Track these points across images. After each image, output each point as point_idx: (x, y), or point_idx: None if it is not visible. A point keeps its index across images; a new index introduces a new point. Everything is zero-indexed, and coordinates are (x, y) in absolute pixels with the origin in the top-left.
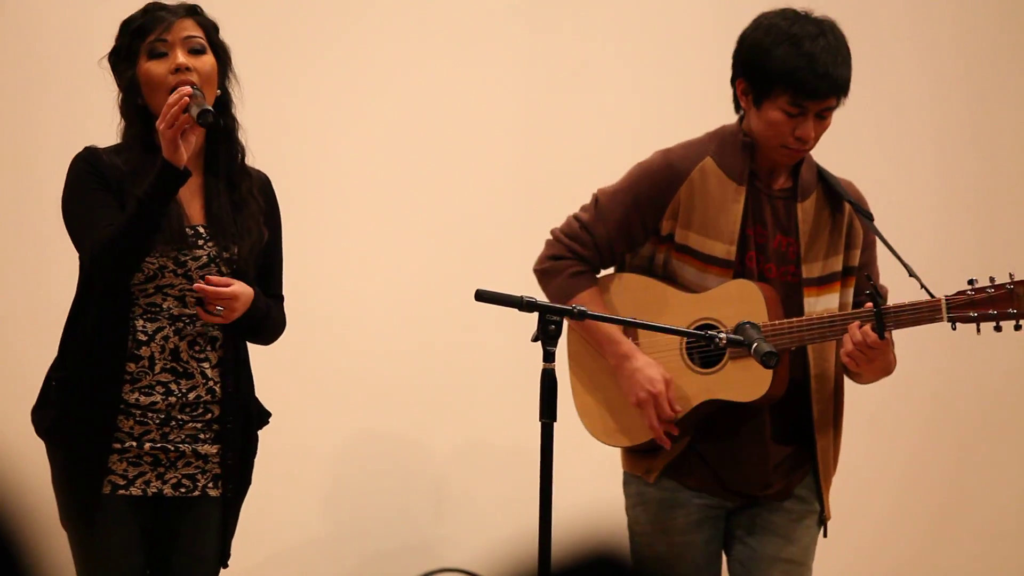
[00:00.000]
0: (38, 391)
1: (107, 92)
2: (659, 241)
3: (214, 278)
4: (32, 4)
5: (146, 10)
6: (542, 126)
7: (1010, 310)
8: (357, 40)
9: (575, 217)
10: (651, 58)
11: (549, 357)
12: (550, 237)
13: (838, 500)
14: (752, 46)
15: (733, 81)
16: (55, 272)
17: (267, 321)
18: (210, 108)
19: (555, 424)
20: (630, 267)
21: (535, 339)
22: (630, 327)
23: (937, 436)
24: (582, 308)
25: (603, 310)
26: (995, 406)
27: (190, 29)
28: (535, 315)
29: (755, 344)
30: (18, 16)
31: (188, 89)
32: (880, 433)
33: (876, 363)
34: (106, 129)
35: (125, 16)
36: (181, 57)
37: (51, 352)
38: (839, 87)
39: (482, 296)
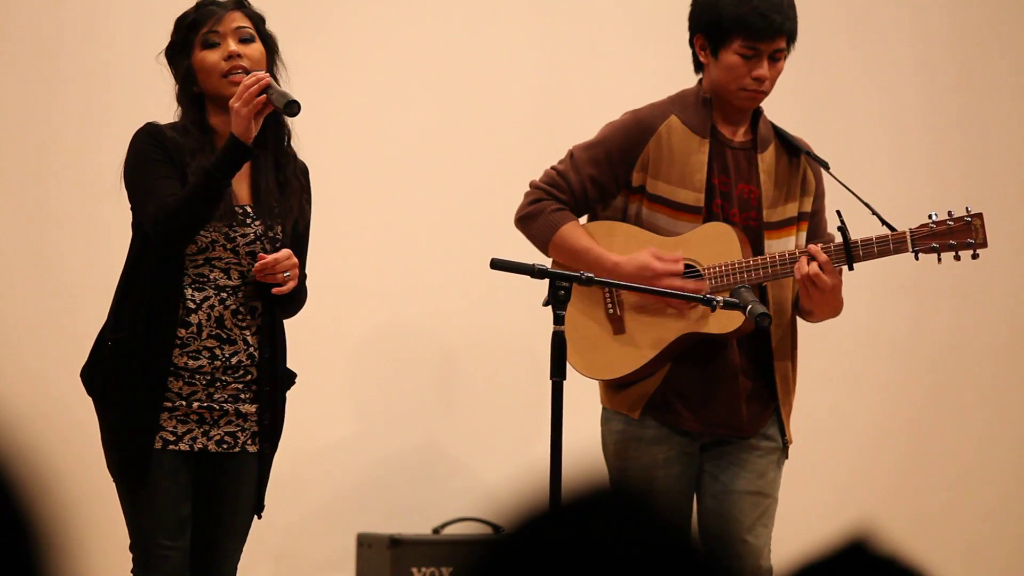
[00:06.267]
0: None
1: (165, 86)
2: (631, 192)
3: (272, 255)
4: (94, 4)
5: (198, 6)
6: (555, 111)
7: (968, 240)
8: (370, 7)
9: (552, 168)
10: (664, 30)
11: (559, 320)
12: (528, 189)
13: (813, 442)
14: (704, 3)
15: (691, 41)
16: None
17: (303, 292)
18: (295, 100)
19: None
20: (602, 218)
21: (546, 304)
22: (627, 290)
23: (906, 376)
24: (590, 275)
25: (586, 240)
26: (959, 348)
27: (239, 20)
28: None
29: (749, 306)
30: (80, 13)
31: (266, 76)
32: (851, 376)
33: (827, 297)
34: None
35: (179, 13)
36: (233, 45)
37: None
38: (785, 29)
39: (497, 264)
